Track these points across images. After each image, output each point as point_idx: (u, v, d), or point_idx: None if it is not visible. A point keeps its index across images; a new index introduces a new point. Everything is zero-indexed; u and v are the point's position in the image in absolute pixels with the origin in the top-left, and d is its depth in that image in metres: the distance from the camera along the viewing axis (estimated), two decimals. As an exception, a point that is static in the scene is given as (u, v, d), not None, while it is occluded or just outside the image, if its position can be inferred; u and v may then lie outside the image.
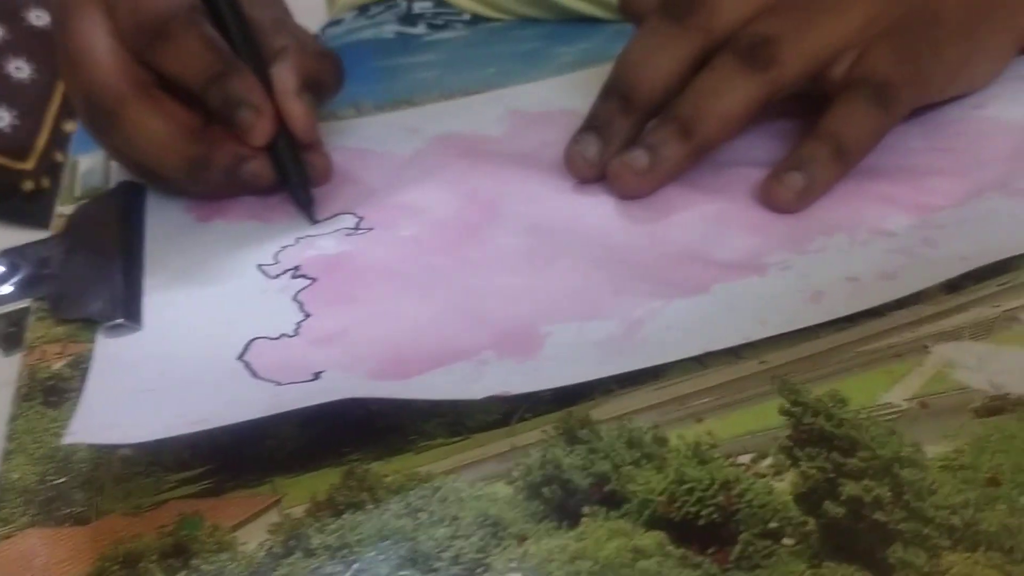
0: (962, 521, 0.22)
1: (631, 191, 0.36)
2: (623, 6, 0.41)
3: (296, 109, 0.40)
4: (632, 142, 0.37)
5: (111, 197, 0.44)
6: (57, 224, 0.44)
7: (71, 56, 0.39)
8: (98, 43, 0.39)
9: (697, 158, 0.36)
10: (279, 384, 0.28)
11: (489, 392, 0.27)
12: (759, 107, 0.36)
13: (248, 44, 0.41)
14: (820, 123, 0.36)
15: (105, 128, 0.39)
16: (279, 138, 0.40)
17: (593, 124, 0.38)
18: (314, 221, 0.40)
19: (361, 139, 0.48)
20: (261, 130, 0.39)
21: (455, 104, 0.51)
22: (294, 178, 0.40)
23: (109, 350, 0.32)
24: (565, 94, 0.49)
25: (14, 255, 0.40)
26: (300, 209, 0.40)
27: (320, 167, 0.42)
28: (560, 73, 0.54)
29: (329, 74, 0.43)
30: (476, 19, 0.69)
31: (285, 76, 0.40)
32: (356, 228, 0.38)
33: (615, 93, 0.37)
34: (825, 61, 0.36)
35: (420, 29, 0.69)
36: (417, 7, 0.70)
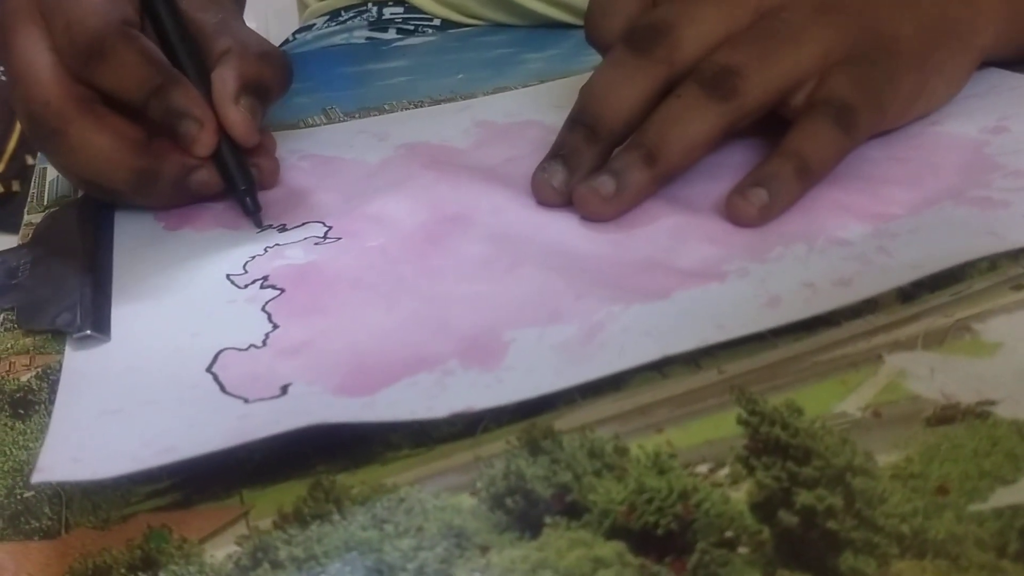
0: (911, 529, 0.23)
1: (597, 215, 0.37)
2: (590, 35, 0.42)
3: (234, 115, 0.40)
4: (598, 169, 0.37)
5: (79, 206, 0.44)
6: (25, 233, 0.44)
7: (13, 75, 0.39)
8: (38, 61, 0.39)
9: (661, 184, 0.37)
10: (247, 402, 0.29)
11: (452, 409, 0.27)
12: (721, 135, 0.37)
13: (189, 51, 0.41)
14: (784, 141, 0.37)
15: (50, 146, 0.40)
16: (222, 145, 0.40)
17: (559, 152, 0.38)
18: (260, 227, 0.40)
19: (330, 146, 0.48)
20: (204, 141, 0.39)
21: (423, 112, 0.52)
22: (240, 184, 0.40)
23: (77, 364, 0.32)
24: (532, 105, 0.50)
25: (-19, 265, 0.40)
26: (246, 215, 0.40)
27: (267, 170, 0.43)
28: (528, 78, 0.55)
29: (272, 75, 0.42)
30: (446, 24, 0.69)
31: (223, 82, 0.40)
32: (324, 237, 0.39)
33: (581, 123, 0.38)
34: (786, 90, 0.37)
35: (390, 34, 0.69)
36: (387, 12, 0.71)
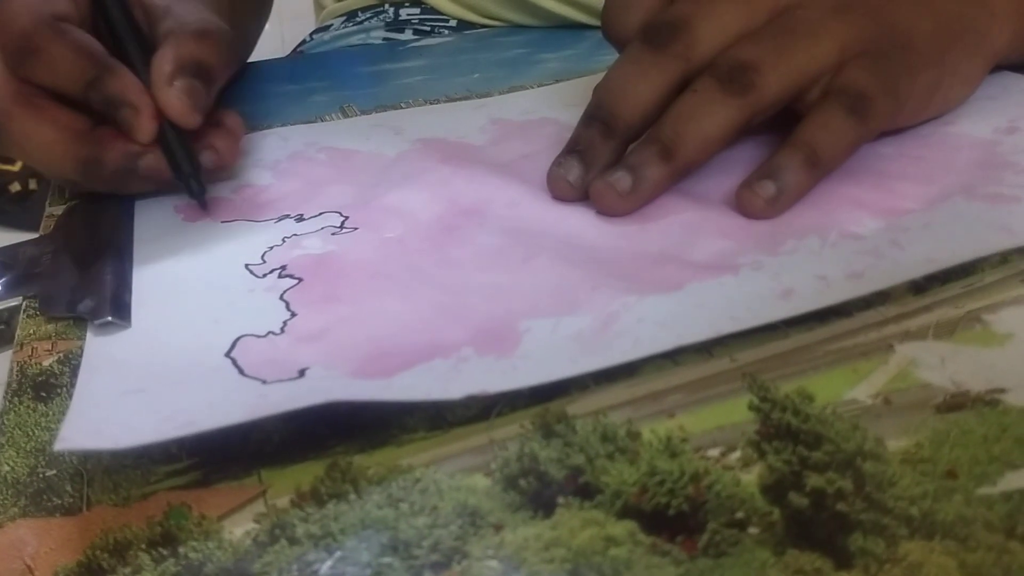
0: (920, 511, 0.23)
1: (613, 210, 0.37)
2: (607, 31, 0.42)
3: (168, 97, 0.40)
4: (613, 165, 0.38)
5: (99, 198, 0.45)
6: (47, 224, 0.44)
7: None
8: None
9: (677, 179, 0.38)
10: (265, 383, 0.29)
11: (467, 392, 0.28)
12: (737, 130, 0.37)
13: (136, 38, 0.41)
14: (795, 131, 0.37)
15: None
16: (166, 129, 0.40)
17: (575, 148, 0.39)
18: (205, 208, 0.41)
19: (347, 139, 0.49)
20: (143, 127, 0.39)
21: (440, 108, 0.52)
22: (184, 167, 0.41)
23: (99, 348, 0.33)
24: (548, 103, 0.50)
25: (5, 254, 0.41)
26: (192, 197, 0.41)
27: (224, 150, 0.42)
28: (544, 78, 0.55)
29: (210, 53, 0.42)
30: (462, 25, 0.70)
31: (157, 65, 0.40)
32: (341, 227, 0.39)
33: (597, 119, 0.38)
34: (802, 85, 0.37)
35: (407, 35, 0.70)
36: (404, 13, 0.71)
